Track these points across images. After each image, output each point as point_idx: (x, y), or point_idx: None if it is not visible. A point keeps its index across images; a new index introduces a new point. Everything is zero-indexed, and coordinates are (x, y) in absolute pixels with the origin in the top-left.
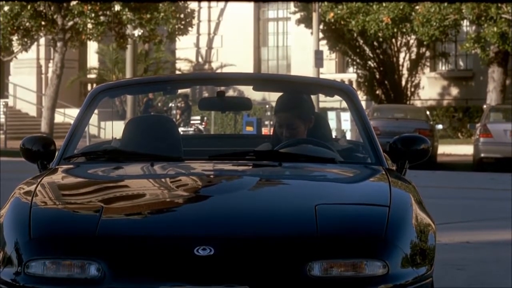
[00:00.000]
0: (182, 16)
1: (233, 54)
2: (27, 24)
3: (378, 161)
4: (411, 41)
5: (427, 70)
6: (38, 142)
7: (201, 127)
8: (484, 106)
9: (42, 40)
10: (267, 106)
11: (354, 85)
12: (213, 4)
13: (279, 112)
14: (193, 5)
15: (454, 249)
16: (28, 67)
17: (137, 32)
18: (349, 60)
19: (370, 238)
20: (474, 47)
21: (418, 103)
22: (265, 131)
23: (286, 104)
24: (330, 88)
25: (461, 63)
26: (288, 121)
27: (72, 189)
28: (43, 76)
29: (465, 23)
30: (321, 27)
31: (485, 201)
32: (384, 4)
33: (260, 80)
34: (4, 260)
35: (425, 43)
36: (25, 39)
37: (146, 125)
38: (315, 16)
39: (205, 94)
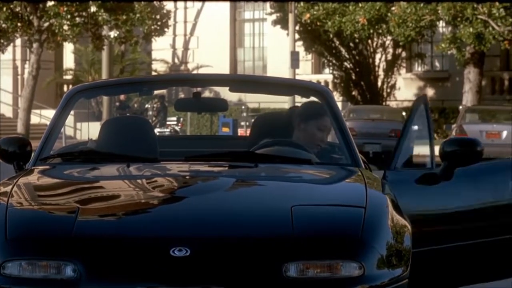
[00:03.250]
0: (158, 17)
1: (209, 55)
2: (3, 25)
3: (354, 162)
4: (387, 42)
5: (403, 71)
6: (14, 143)
7: (177, 128)
8: (460, 107)
9: (18, 41)
10: (243, 107)
11: (330, 86)
12: (189, 5)
13: (321, 117)
14: (169, 6)
15: None
16: (4, 68)
17: (113, 33)
18: (325, 61)
19: (346, 239)
20: (450, 48)
21: (394, 104)
22: (241, 132)
23: (323, 109)
24: (306, 89)
25: (437, 64)
26: (328, 125)
27: (48, 190)
28: (19, 77)
29: (441, 24)
30: (297, 28)
31: None
32: (360, 5)
33: (236, 81)
34: None
35: (401, 44)
36: (1, 40)
37: (122, 126)
38: (291, 17)
39: (181, 95)
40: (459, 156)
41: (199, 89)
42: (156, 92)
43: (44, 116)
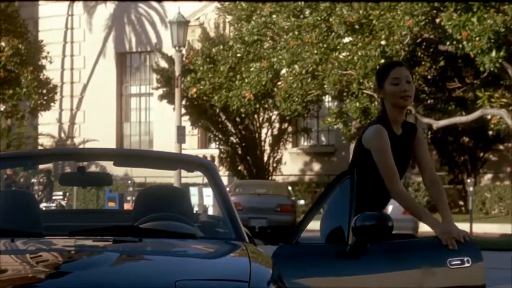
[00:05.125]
0: (44, 91)
1: (96, 129)
2: None
3: (238, 237)
4: (273, 117)
5: (289, 145)
6: None
7: (63, 202)
8: None
9: None
10: (129, 181)
11: (216, 161)
12: (75, 79)
13: (391, 70)
14: (55, 81)
15: None
16: None
17: None
18: (212, 136)
19: None
20: (336, 122)
21: (280, 179)
22: (127, 206)
23: (390, 64)
24: (190, 163)
25: (323, 138)
26: (401, 73)
27: None
28: None
29: (327, 98)
30: (183, 102)
31: None
32: (246, 81)
33: (121, 156)
34: None
35: (287, 118)
36: None
37: (5, 200)
38: (177, 91)
39: (68, 170)
40: (370, 232)
41: (84, 163)
42: (42, 166)
43: None
